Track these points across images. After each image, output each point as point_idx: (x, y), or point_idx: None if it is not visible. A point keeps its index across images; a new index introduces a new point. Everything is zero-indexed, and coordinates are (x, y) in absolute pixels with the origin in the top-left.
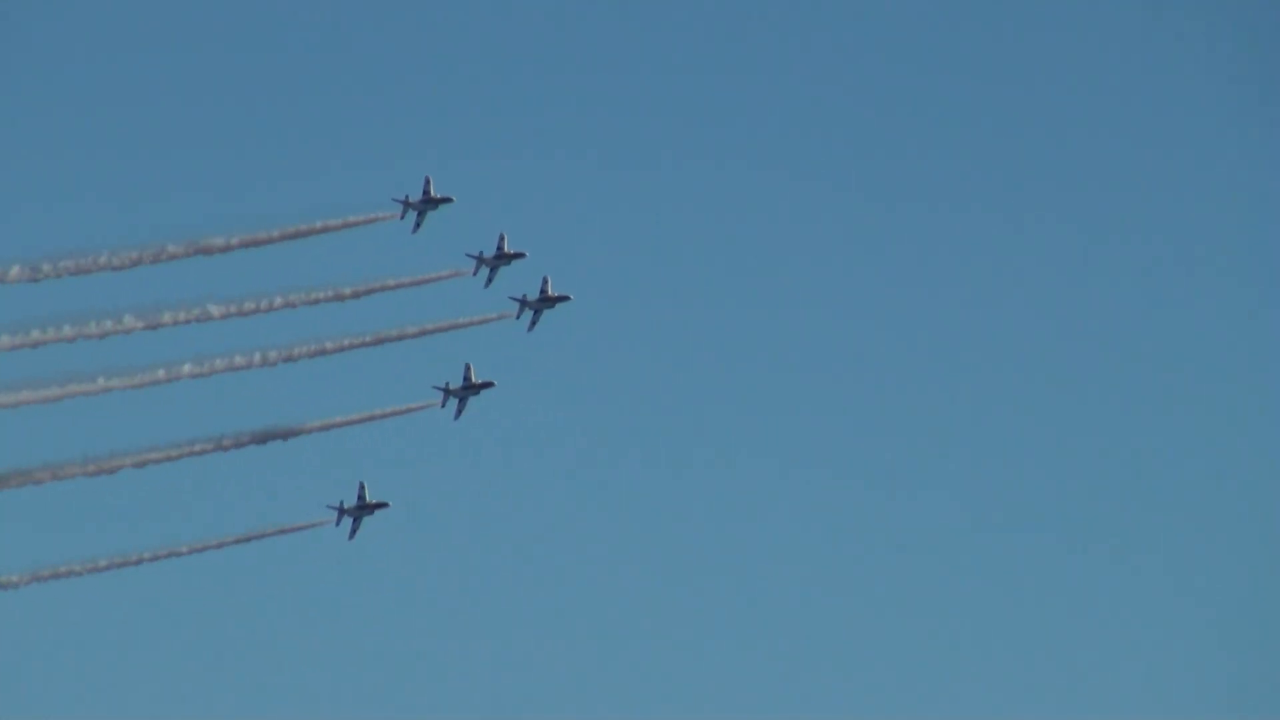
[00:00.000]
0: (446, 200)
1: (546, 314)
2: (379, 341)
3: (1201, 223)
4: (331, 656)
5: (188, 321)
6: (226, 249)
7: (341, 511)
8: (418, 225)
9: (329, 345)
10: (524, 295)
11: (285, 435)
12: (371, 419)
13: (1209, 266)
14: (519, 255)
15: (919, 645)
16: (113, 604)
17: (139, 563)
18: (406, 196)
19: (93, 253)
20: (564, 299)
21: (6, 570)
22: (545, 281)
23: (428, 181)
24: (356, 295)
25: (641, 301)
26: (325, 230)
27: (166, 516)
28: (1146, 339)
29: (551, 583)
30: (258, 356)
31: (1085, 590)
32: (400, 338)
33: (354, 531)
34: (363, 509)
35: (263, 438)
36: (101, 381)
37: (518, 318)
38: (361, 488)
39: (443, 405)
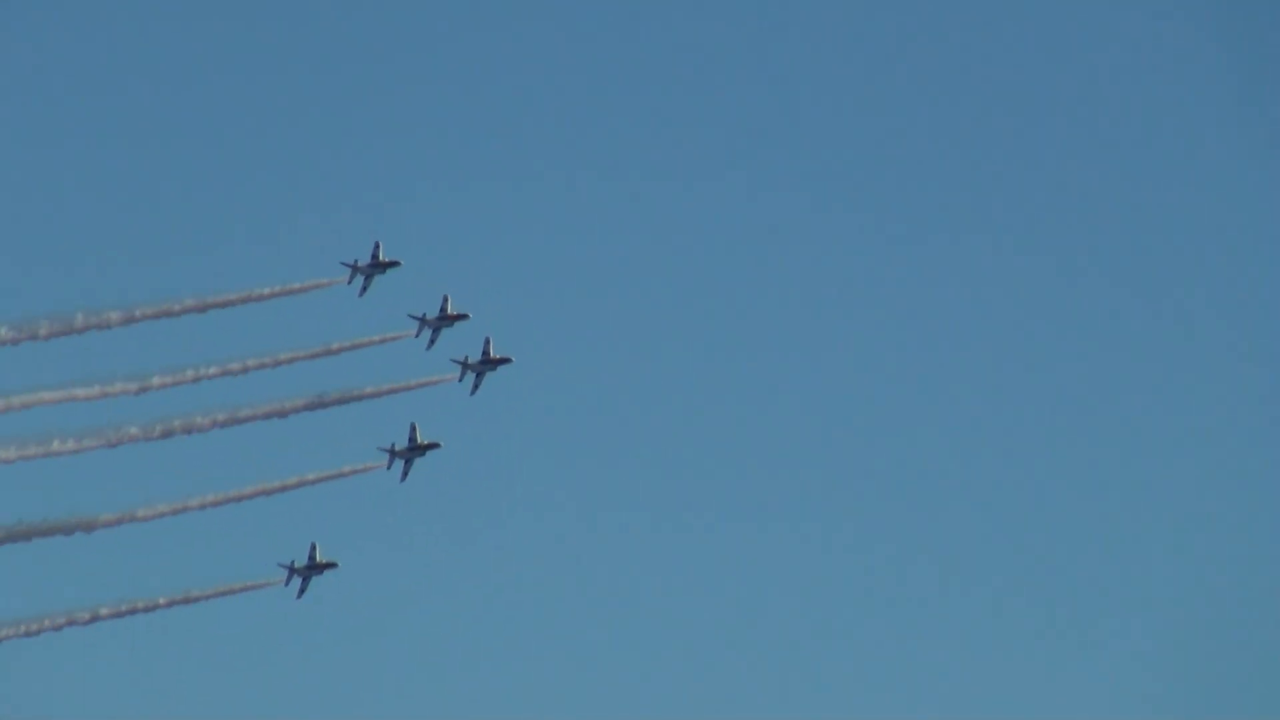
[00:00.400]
0: (394, 264)
1: (489, 376)
2: (321, 405)
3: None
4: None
5: (133, 391)
6: (169, 314)
7: (292, 571)
8: (364, 289)
9: (271, 409)
10: (465, 357)
11: (236, 499)
12: (319, 480)
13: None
14: (462, 316)
15: (918, 645)
16: (63, 662)
17: (91, 621)
18: (355, 261)
19: (32, 321)
20: (505, 360)
21: None
22: (487, 343)
23: (377, 246)
24: (296, 359)
25: (585, 363)
26: (272, 296)
27: (117, 575)
28: (1143, 338)
29: (498, 642)
30: (205, 419)
31: (1085, 590)
32: (342, 401)
33: (302, 591)
34: (312, 568)
35: (211, 502)
36: (55, 444)
37: (460, 380)
38: (313, 548)
39: (389, 466)
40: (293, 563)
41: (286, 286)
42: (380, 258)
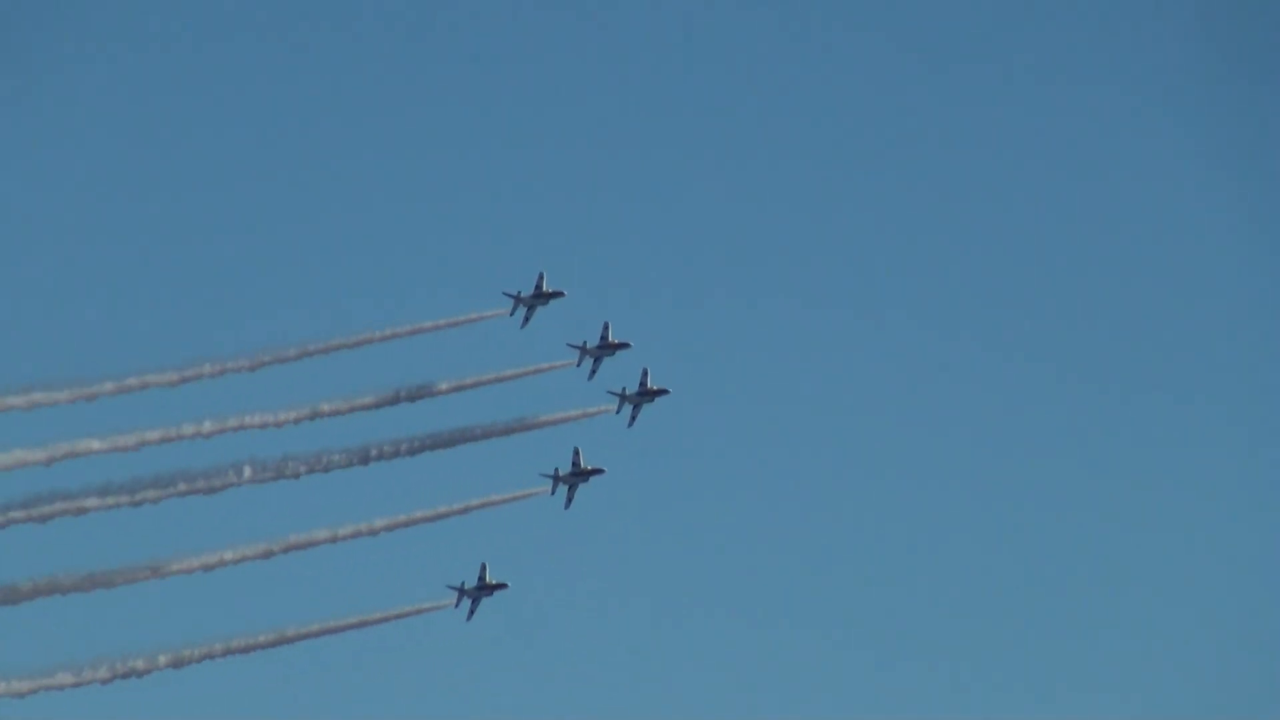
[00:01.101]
0: (558, 294)
1: (646, 407)
2: (480, 436)
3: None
4: None
5: (306, 418)
6: (340, 347)
7: (461, 593)
8: (526, 319)
9: (434, 439)
10: (623, 389)
11: (402, 525)
12: (484, 506)
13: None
14: (623, 345)
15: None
16: (234, 691)
17: (254, 649)
18: (519, 292)
19: (195, 363)
20: (662, 392)
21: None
22: (645, 374)
23: (540, 277)
24: (459, 389)
25: (742, 392)
26: (435, 329)
27: (285, 603)
28: (1147, 338)
29: (660, 659)
30: (372, 451)
31: (1086, 588)
32: (500, 433)
33: (472, 612)
34: (482, 589)
35: (380, 528)
36: (231, 475)
37: (618, 412)
38: (483, 569)
39: (553, 492)
40: (462, 584)
41: (450, 319)
42: (544, 288)
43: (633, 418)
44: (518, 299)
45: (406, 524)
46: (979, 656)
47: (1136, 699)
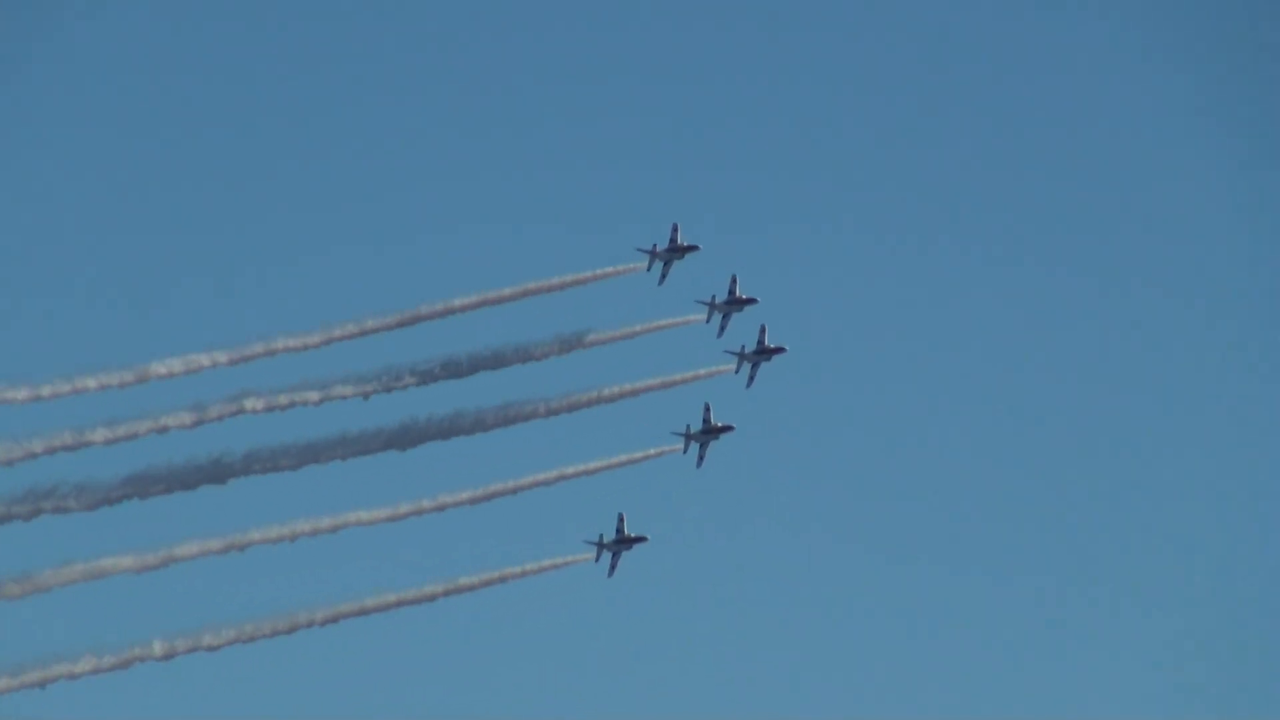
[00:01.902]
0: (693, 248)
1: (764, 366)
2: (601, 400)
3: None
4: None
5: (431, 380)
6: (484, 304)
7: (600, 546)
8: (664, 276)
9: (557, 404)
10: (742, 347)
11: (530, 486)
12: (618, 465)
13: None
14: (751, 301)
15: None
16: (374, 649)
17: (400, 605)
18: (654, 245)
19: (343, 321)
20: (779, 350)
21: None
22: (762, 332)
23: (675, 229)
24: (584, 346)
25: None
26: (572, 284)
27: (427, 562)
28: (1157, 336)
29: (790, 614)
30: (500, 415)
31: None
32: (618, 396)
33: (613, 568)
34: (621, 543)
35: (508, 489)
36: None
37: (736, 372)
38: (620, 520)
39: (685, 450)
40: (600, 537)
41: (585, 274)
42: (679, 242)
43: (751, 377)
44: (653, 253)
45: (533, 485)
46: (978, 657)
47: (1136, 699)
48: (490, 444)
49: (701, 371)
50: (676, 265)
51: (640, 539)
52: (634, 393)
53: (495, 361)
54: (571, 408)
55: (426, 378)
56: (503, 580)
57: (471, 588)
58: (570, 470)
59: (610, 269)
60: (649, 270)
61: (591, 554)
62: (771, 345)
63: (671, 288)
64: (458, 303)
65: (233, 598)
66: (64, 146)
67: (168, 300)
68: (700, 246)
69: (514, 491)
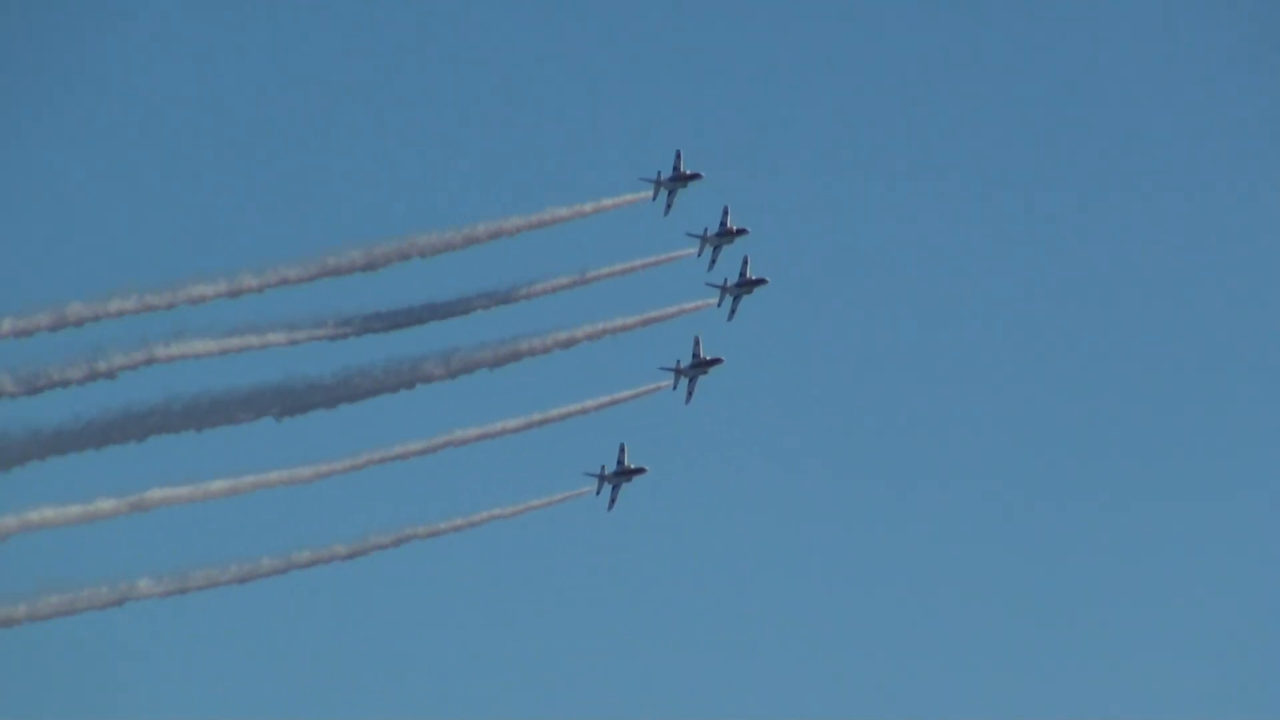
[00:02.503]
0: (696, 177)
1: (745, 299)
2: (589, 337)
3: None
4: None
5: (442, 317)
6: (497, 234)
7: (602, 478)
8: (669, 206)
9: (545, 342)
10: (725, 280)
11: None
12: (610, 404)
13: None
14: (742, 232)
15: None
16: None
17: (403, 542)
18: (659, 174)
19: (358, 245)
20: (761, 282)
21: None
22: (745, 264)
23: (678, 156)
24: (584, 283)
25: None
26: (577, 216)
27: (425, 502)
28: (1157, 340)
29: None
30: (490, 353)
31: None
32: (603, 334)
33: (613, 501)
34: (622, 474)
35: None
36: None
37: (719, 305)
38: (622, 451)
39: (674, 387)
40: (603, 469)
41: (589, 206)
42: (682, 170)
43: (733, 310)
44: (658, 182)
45: (525, 427)
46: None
47: (1136, 699)
48: (480, 384)
49: (687, 305)
50: (681, 194)
51: (639, 470)
52: (619, 329)
53: (488, 301)
54: (559, 345)
55: (402, 321)
56: (503, 516)
57: (472, 525)
58: (557, 412)
59: (616, 199)
60: (654, 200)
61: (593, 487)
62: (754, 277)
63: (676, 218)
64: (459, 234)
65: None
66: None
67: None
68: (703, 175)
69: (505, 434)
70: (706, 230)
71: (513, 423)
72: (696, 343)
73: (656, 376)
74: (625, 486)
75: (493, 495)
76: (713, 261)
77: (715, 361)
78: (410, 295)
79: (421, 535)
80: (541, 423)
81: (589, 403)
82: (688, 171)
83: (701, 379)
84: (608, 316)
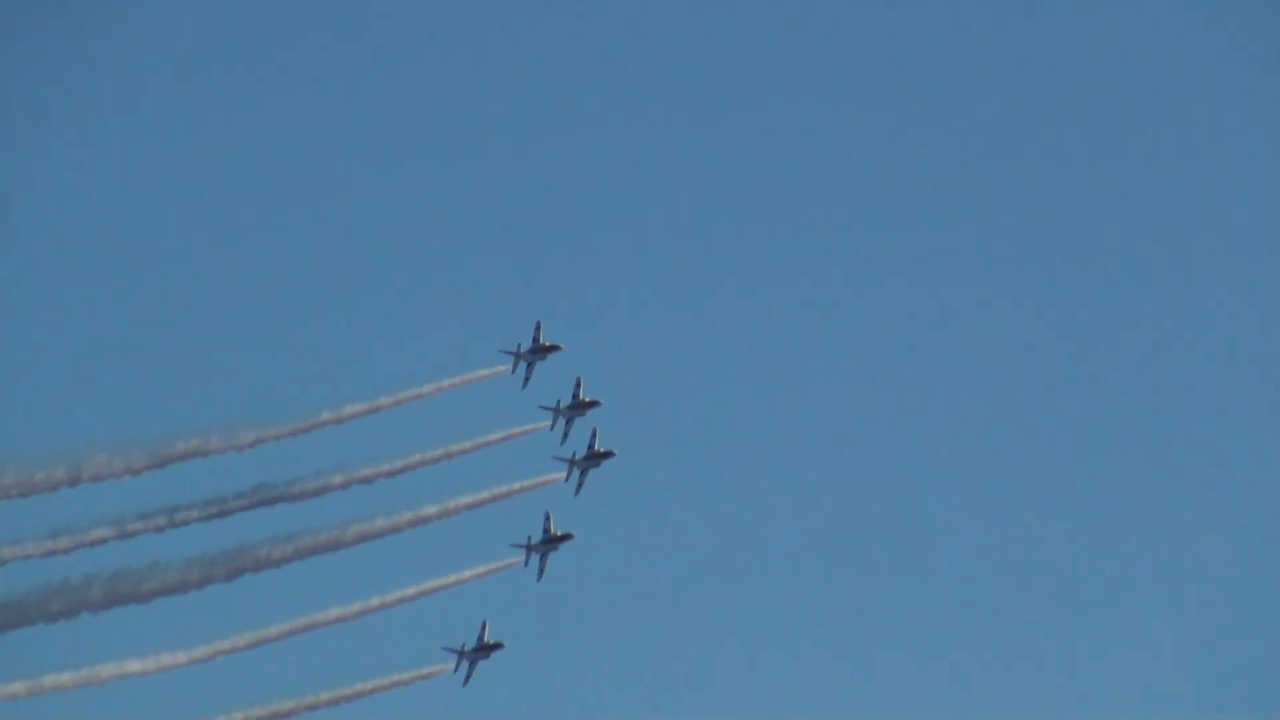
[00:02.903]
0: (555, 348)
1: (592, 472)
2: (441, 514)
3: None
4: None
5: (302, 497)
6: (340, 420)
7: (461, 655)
8: (527, 379)
9: (405, 518)
10: (574, 453)
11: (380, 608)
12: (462, 581)
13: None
14: (594, 404)
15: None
16: None
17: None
18: (519, 346)
19: (207, 433)
20: (609, 455)
21: None
22: (594, 436)
23: (538, 328)
24: (426, 463)
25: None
26: (438, 391)
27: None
28: (1150, 339)
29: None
30: (349, 531)
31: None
32: (458, 510)
33: (469, 677)
34: (480, 650)
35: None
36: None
37: (566, 479)
38: (483, 628)
39: (526, 564)
40: (463, 646)
41: (452, 379)
42: (541, 341)
43: (580, 484)
44: (517, 354)
45: (380, 607)
46: (978, 656)
47: (1136, 699)
48: (333, 565)
49: (533, 481)
50: (540, 366)
51: (497, 645)
52: (469, 506)
53: (342, 481)
54: (410, 524)
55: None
56: (359, 695)
57: (334, 702)
58: (413, 590)
59: (476, 373)
60: (513, 373)
61: (452, 663)
62: (602, 449)
63: (534, 391)
64: (324, 416)
65: None
66: None
67: None
68: (562, 346)
69: (364, 614)
70: (559, 402)
71: (371, 602)
72: (547, 518)
73: (508, 553)
74: (483, 664)
75: (353, 672)
76: (565, 434)
77: (566, 537)
78: (261, 475)
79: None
80: (395, 602)
81: (442, 580)
82: (547, 343)
83: (552, 555)
84: (460, 491)
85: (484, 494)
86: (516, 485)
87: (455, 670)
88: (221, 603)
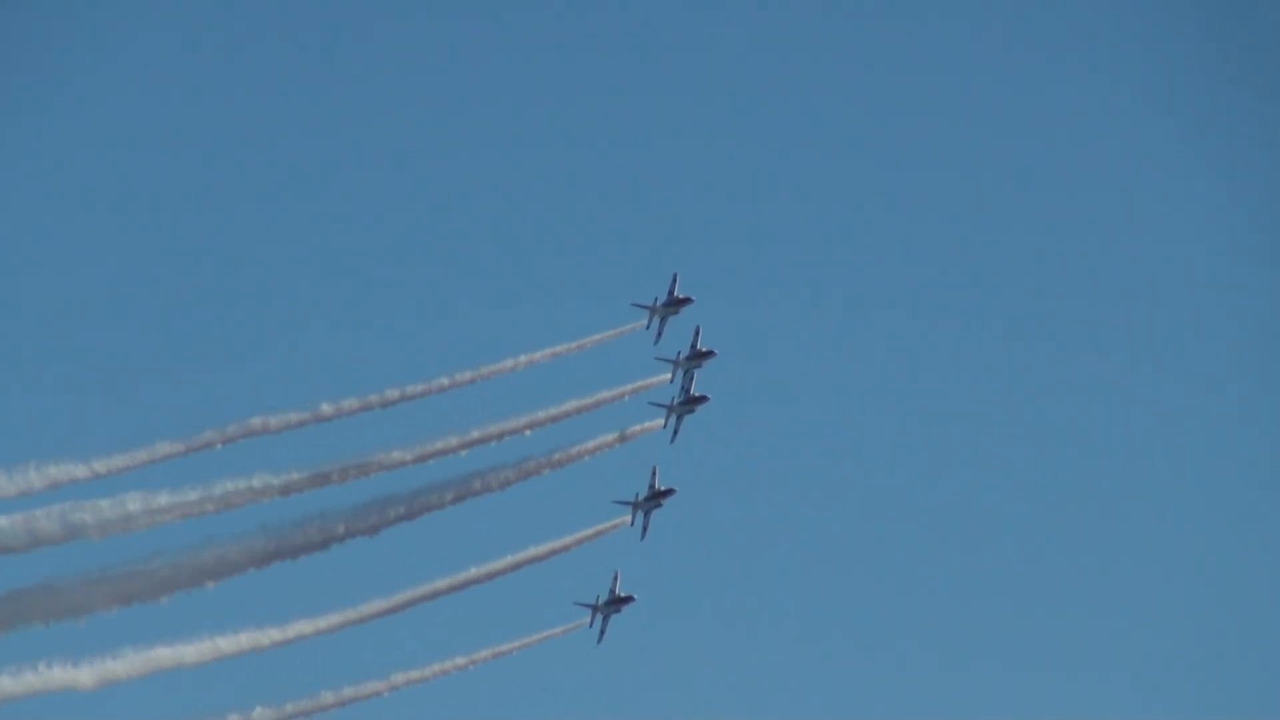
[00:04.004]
0: (688, 301)
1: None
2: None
3: None
4: None
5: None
6: (474, 380)
7: (595, 609)
8: (660, 334)
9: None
10: (637, 495)
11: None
12: (573, 543)
13: None
14: (709, 354)
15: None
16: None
17: (402, 687)
18: (655, 300)
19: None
20: (670, 493)
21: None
22: (654, 474)
23: (674, 280)
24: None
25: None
26: (575, 350)
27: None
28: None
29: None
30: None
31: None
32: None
33: (603, 633)
34: (612, 604)
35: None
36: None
37: (631, 524)
38: (615, 579)
39: (632, 523)
40: (597, 599)
41: (586, 340)
42: (676, 294)
43: (676, 431)
44: (652, 309)
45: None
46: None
47: (1136, 698)
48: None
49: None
50: (673, 321)
51: (628, 599)
52: (580, 410)
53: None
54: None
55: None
56: (496, 656)
57: (470, 664)
58: (527, 554)
59: (610, 331)
60: (648, 328)
61: (586, 618)
62: (697, 394)
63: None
64: (446, 380)
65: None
66: None
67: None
68: (694, 299)
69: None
70: (679, 353)
71: (478, 570)
72: (654, 472)
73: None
74: (615, 617)
75: (480, 638)
76: (685, 386)
77: (668, 492)
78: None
79: (414, 680)
80: (510, 568)
81: (551, 545)
82: (681, 296)
83: (656, 512)
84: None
85: (588, 444)
86: (615, 436)
87: (590, 625)
88: (341, 568)
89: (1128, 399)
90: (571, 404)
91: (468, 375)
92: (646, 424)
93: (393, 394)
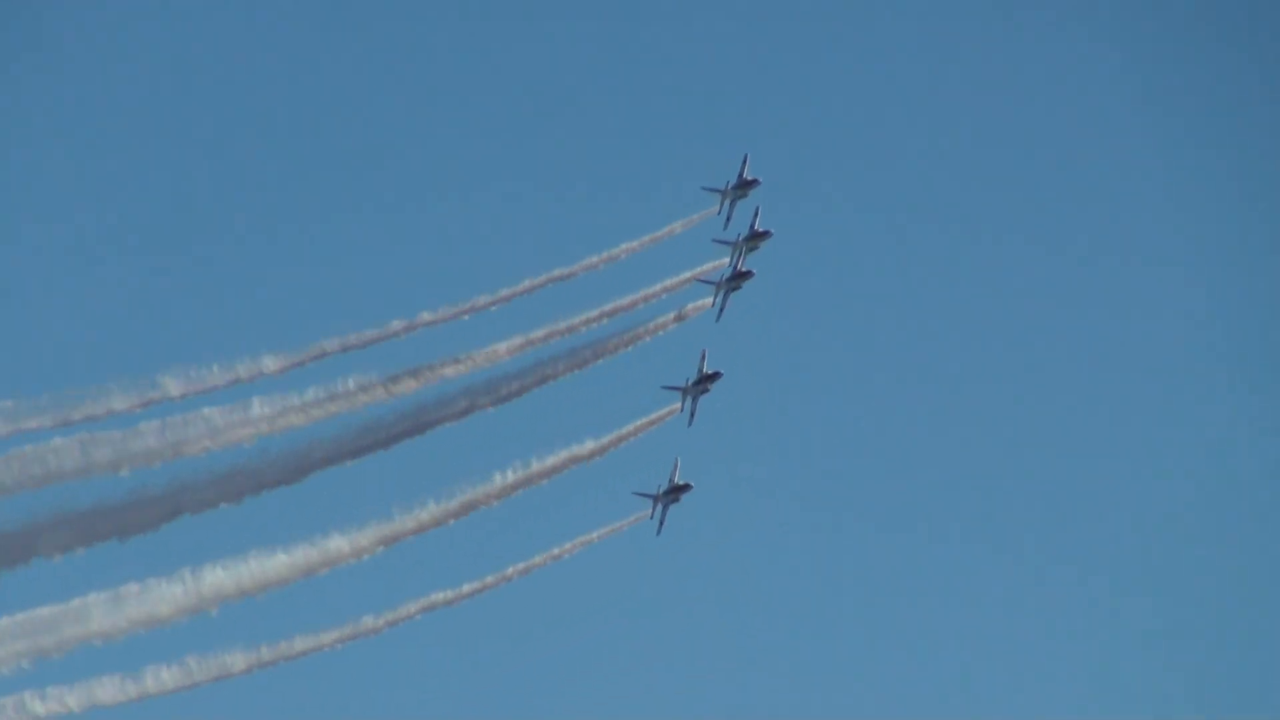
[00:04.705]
0: (755, 183)
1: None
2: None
3: None
4: None
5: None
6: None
7: (655, 499)
8: (729, 218)
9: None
10: (658, 487)
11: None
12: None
13: None
14: (766, 234)
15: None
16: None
17: (479, 593)
18: (726, 183)
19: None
20: (748, 275)
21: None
22: (703, 358)
23: (744, 161)
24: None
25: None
26: (651, 242)
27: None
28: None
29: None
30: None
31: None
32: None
33: (661, 524)
34: (670, 493)
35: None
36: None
37: (651, 518)
38: (675, 466)
39: (681, 410)
40: (659, 488)
41: (656, 234)
42: (745, 175)
43: (660, 523)
44: (724, 192)
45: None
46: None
47: (1136, 698)
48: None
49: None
50: (741, 203)
51: (686, 486)
52: (639, 302)
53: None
54: (579, 365)
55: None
56: (557, 557)
57: (530, 570)
58: (583, 450)
59: (685, 220)
60: (719, 213)
61: (647, 511)
62: (744, 269)
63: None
64: (525, 284)
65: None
66: None
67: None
68: (761, 180)
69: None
70: (739, 235)
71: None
72: (703, 355)
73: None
74: (674, 506)
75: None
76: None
77: (716, 375)
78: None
79: (487, 585)
80: (565, 465)
81: (601, 441)
82: (750, 178)
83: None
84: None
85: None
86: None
87: (651, 517)
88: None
89: (1127, 399)
90: (638, 294)
91: (547, 276)
92: (697, 302)
93: (482, 300)
